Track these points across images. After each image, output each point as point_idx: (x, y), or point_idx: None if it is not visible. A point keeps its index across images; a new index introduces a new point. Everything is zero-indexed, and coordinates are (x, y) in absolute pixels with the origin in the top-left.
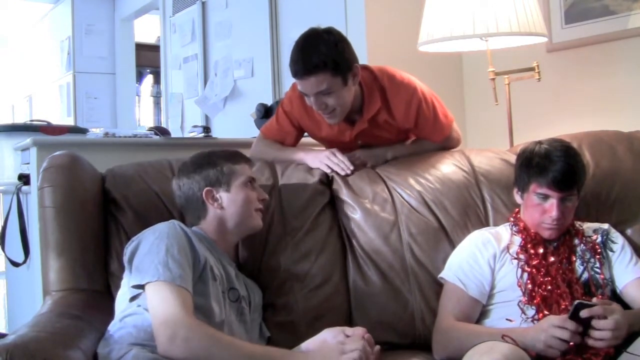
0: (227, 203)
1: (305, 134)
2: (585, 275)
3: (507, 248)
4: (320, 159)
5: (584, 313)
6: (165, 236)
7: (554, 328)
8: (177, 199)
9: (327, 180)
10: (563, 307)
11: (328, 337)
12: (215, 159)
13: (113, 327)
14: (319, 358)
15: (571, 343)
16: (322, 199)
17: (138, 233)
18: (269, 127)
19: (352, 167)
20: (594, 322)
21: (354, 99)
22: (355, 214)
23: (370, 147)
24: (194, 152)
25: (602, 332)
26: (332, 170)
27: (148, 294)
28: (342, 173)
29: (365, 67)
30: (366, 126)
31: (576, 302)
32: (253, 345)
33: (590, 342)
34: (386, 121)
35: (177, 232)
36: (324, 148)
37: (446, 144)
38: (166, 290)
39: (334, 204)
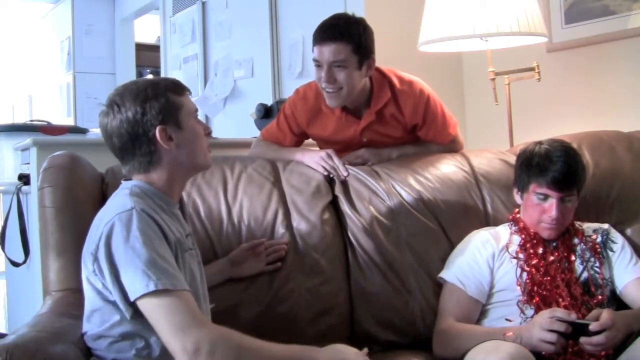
0: (182, 142)
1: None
2: (585, 274)
3: (506, 247)
4: (316, 160)
5: (594, 327)
6: (138, 232)
7: (543, 332)
8: (114, 140)
9: (329, 178)
10: (562, 307)
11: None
12: (160, 89)
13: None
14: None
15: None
16: (327, 196)
17: None
18: (269, 129)
19: (346, 173)
20: (584, 339)
21: (362, 92)
22: (355, 213)
23: (375, 147)
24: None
25: (596, 344)
26: (327, 172)
27: (146, 307)
28: (336, 179)
29: (375, 67)
30: (373, 119)
31: (572, 319)
32: (277, 345)
33: (582, 347)
34: (393, 116)
35: (148, 223)
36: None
37: (452, 147)
38: (168, 299)
39: (337, 201)
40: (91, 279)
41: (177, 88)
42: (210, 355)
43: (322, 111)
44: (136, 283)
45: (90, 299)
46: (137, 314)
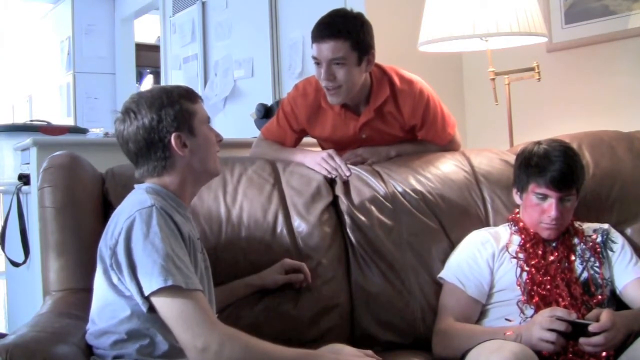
0: (195, 148)
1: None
2: (585, 274)
3: (506, 247)
4: (318, 161)
5: (593, 328)
6: (157, 228)
7: (543, 331)
8: (130, 145)
9: (330, 179)
10: (562, 306)
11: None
12: (175, 97)
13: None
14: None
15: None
16: (327, 197)
17: None
18: (269, 127)
19: (348, 173)
20: (583, 340)
21: (362, 89)
22: (356, 213)
23: (373, 145)
24: None
25: (595, 345)
26: (329, 173)
27: (160, 303)
28: (338, 179)
29: (375, 64)
30: (372, 116)
31: (572, 318)
32: (283, 348)
33: (581, 347)
34: (392, 113)
35: (166, 220)
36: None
37: (450, 147)
38: (182, 297)
39: (337, 202)
40: (107, 273)
41: (190, 96)
42: (217, 355)
43: (322, 107)
44: (153, 278)
45: (103, 294)
46: (151, 310)
